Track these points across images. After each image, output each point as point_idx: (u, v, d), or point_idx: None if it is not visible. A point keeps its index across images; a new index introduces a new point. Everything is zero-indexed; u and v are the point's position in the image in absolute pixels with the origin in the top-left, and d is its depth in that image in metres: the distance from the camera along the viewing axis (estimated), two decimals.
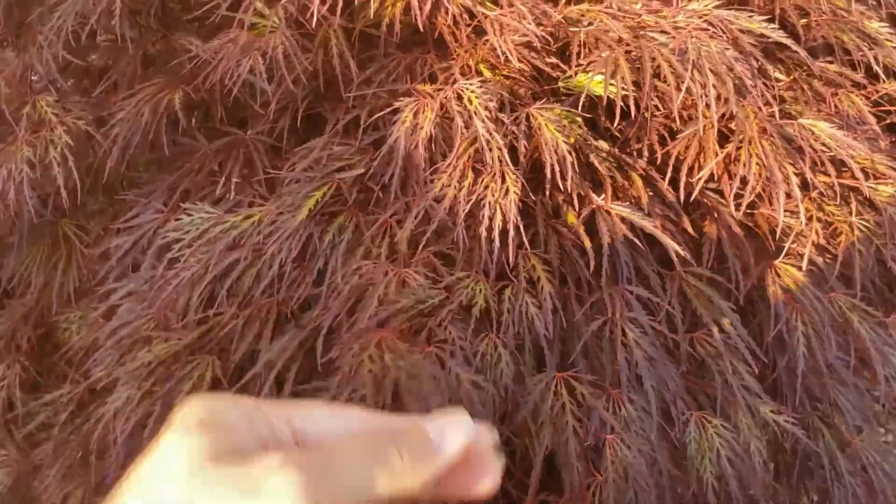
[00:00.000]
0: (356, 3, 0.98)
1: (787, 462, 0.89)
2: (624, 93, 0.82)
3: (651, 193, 0.83)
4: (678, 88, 0.77)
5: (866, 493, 0.91)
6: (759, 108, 0.80)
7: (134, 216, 1.01)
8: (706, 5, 0.83)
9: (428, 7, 0.91)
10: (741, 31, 0.79)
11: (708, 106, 0.78)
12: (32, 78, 1.06)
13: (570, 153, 0.77)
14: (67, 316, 1.23)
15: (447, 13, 0.94)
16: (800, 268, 0.81)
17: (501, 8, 0.93)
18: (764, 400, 0.76)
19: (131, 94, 1.02)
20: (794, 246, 0.83)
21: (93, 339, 0.95)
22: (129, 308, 0.94)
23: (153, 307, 0.92)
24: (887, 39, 0.95)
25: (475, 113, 0.77)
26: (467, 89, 0.80)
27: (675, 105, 0.76)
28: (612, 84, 0.84)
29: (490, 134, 0.75)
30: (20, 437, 1.25)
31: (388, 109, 0.81)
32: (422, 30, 0.95)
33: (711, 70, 0.75)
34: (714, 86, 0.75)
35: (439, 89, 0.81)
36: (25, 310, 1.25)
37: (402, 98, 0.81)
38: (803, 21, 0.95)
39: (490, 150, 0.75)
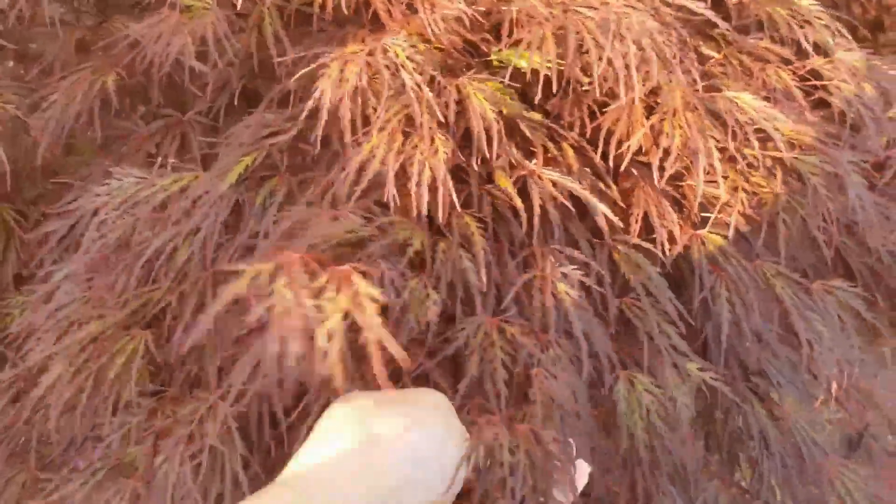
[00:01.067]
0: None
1: (718, 434, 0.91)
2: (549, 66, 0.83)
3: (582, 164, 0.85)
4: (599, 59, 0.78)
5: (797, 465, 0.92)
6: (686, 82, 0.82)
7: (72, 200, 1.00)
8: None
9: None
10: (663, 3, 0.81)
11: (630, 77, 0.79)
12: None
13: (497, 121, 0.78)
14: (8, 301, 1.21)
15: None
16: (726, 237, 0.83)
17: None
18: (691, 359, 0.77)
19: (63, 77, 1.01)
20: (720, 216, 0.85)
21: (29, 323, 0.94)
22: (66, 290, 0.93)
23: (90, 289, 0.91)
24: (817, 17, 0.98)
25: (402, 66, 0.77)
26: (394, 44, 0.80)
27: (596, 75, 0.78)
28: (536, 58, 0.85)
29: (418, 87, 0.76)
30: None
31: (317, 64, 0.81)
32: (356, 6, 0.96)
33: (634, 41, 0.77)
34: (635, 55, 0.76)
35: (367, 49, 0.81)
36: None
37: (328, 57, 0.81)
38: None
39: (420, 102, 0.75)
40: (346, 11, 0.94)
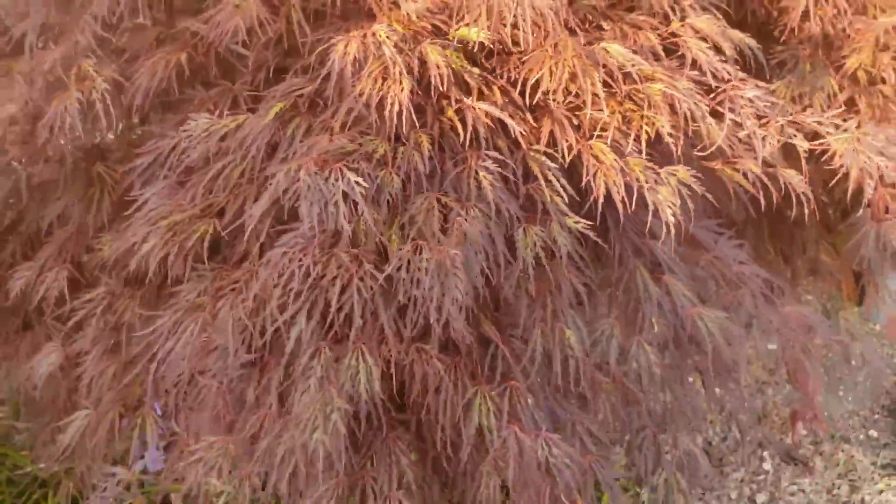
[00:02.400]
0: None
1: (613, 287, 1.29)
2: (486, 35, 1.24)
3: (507, 101, 1.24)
4: (514, 26, 1.18)
5: (671, 311, 1.30)
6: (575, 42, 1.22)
7: (153, 143, 1.41)
8: None
9: None
10: None
11: (528, 35, 1.19)
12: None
13: (446, 68, 1.18)
14: (101, 238, 1.62)
15: None
16: (606, 142, 1.21)
17: None
18: (570, 216, 1.15)
19: (149, 56, 1.43)
20: (605, 134, 1.23)
21: (128, 225, 1.33)
22: (153, 201, 1.34)
23: (172, 197, 1.32)
24: (685, 3, 1.37)
25: (383, 42, 1.18)
26: (379, 28, 1.21)
27: (507, 32, 1.18)
28: (477, 33, 1.26)
29: (393, 55, 1.16)
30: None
31: (328, 45, 1.22)
32: (357, 3, 1.37)
33: (534, 9, 1.16)
34: (533, 20, 1.16)
35: (363, 32, 1.22)
36: (68, 234, 1.64)
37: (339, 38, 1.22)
38: None
39: (394, 64, 1.16)
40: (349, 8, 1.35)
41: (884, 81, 1.76)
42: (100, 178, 1.61)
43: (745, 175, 1.42)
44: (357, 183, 1.00)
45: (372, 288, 1.09)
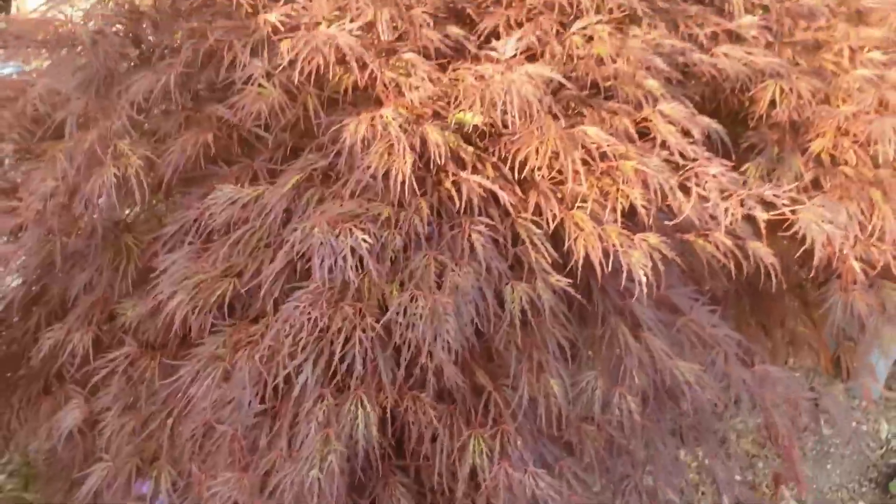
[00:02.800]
0: (325, 77, 1.57)
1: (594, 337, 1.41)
2: (481, 119, 1.40)
3: (497, 174, 1.40)
4: (504, 111, 1.35)
5: (650, 365, 1.42)
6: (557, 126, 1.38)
7: (180, 213, 1.56)
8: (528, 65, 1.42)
9: (366, 78, 1.51)
10: (539, 76, 1.38)
11: (526, 119, 1.35)
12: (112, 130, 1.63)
13: (444, 146, 1.34)
14: (124, 303, 1.76)
15: (380, 83, 1.53)
16: (585, 212, 1.36)
17: (411, 77, 1.52)
18: (555, 276, 1.29)
19: (178, 136, 1.60)
20: (584, 205, 1.38)
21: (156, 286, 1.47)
22: (179, 263, 1.48)
23: (196, 261, 1.46)
24: (656, 91, 1.54)
25: (389, 123, 1.34)
26: (386, 113, 1.37)
27: (498, 116, 1.34)
28: (472, 117, 1.43)
29: (398, 134, 1.32)
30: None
31: (341, 125, 1.38)
32: (366, 92, 1.55)
33: (521, 96, 1.33)
34: (520, 106, 1.32)
35: (371, 115, 1.38)
36: (94, 299, 1.77)
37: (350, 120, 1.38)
38: (605, 75, 1.55)
39: (398, 141, 1.32)
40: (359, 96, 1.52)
41: (846, 163, 1.93)
42: (126, 248, 1.76)
43: (716, 246, 1.57)
44: (364, 240, 1.15)
45: (371, 339, 1.22)
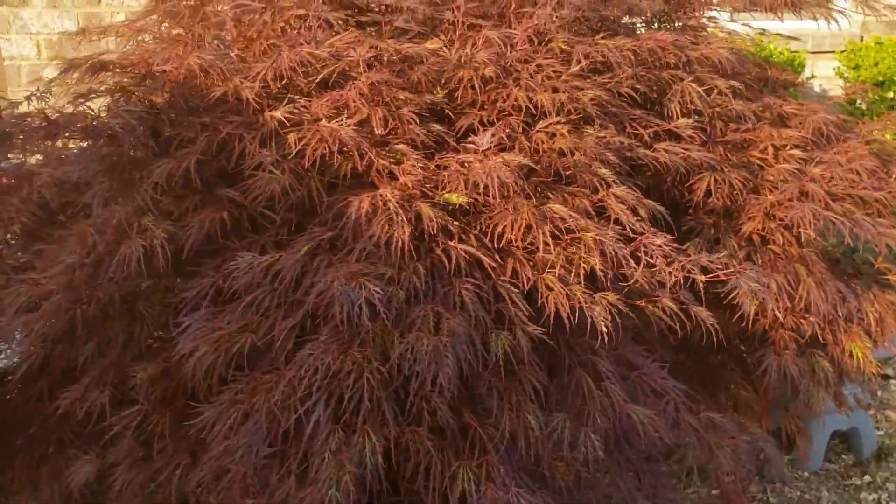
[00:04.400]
0: (328, 163, 1.82)
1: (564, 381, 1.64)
2: (463, 199, 1.66)
3: (479, 245, 1.65)
4: (486, 192, 1.61)
5: (611, 409, 1.65)
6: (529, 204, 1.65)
7: (196, 281, 1.77)
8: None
9: (363, 165, 1.77)
10: (513, 162, 1.65)
11: (502, 198, 1.62)
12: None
13: (436, 220, 1.59)
14: (136, 366, 1.94)
15: (374, 169, 1.79)
16: (554, 275, 1.61)
17: (403, 164, 1.79)
18: (531, 326, 1.52)
19: (196, 213, 1.83)
20: (553, 270, 1.63)
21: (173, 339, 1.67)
22: (196, 324, 1.68)
23: (213, 321, 1.67)
24: (610, 178, 1.83)
25: (388, 200, 1.59)
26: (384, 193, 1.63)
27: (479, 195, 1.60)
28: (457, 197, 1.69)
29: (396, 210, 1.57)
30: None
31: (343, 204, 1.63)
32: (360, 177, 1.80)
33: (499, 178, 1.60)
34: (499, 187, 1.59)
35: (371, 195, 1.64)
36: (109, 362, 1.95)
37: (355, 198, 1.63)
38: (565, 164, 1.83)
39: (397, 215, 1.56)
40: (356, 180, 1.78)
41: (773, 242, 2.22)
42: (140, 315, 1.95)
43: (663, 310, 1.83)
44: (375, 291, 1.38)
45: (377, 380, 1.43)
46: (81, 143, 2.21)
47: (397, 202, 1.60)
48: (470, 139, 1.94)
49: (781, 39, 4.20)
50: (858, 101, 5.32)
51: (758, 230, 2.24)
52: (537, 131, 1.93)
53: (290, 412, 1.50)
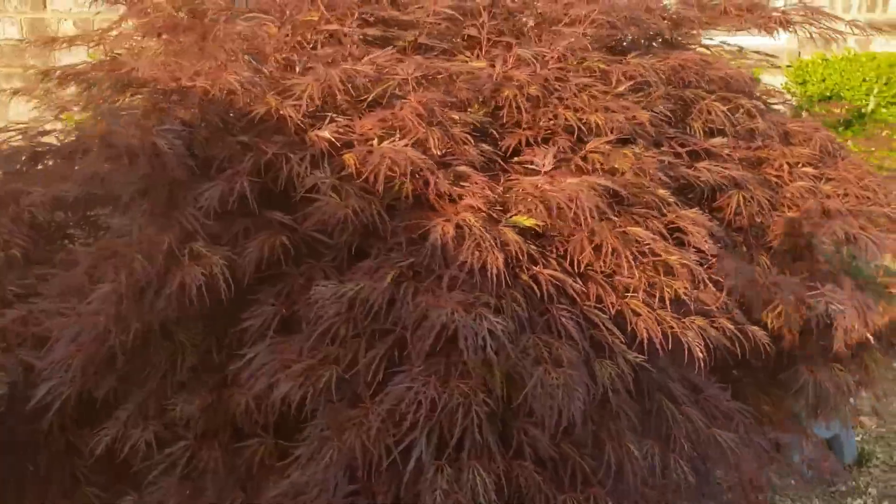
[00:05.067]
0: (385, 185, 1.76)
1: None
2: (533, 223, 1.63)
3: (561, 269, 1.62)
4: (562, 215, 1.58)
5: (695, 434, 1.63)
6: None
7: (256, 309, 1.68)
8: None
9: (427, 189, 1.72)
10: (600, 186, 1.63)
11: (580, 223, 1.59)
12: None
13: (522, 244, 1.55)
14: (176, 398, 1.83)
15: (436, 191, 1.74)
16: (638, 300, 1.59)
17: (469, 187, 1.74)
18: (632, 354, 1.50)
19: (249, 238, 1.74)
20: (637, 294, 1.62)
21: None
22: (261, 356, 1.60)
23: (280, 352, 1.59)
24: (669, 199, 1.83)
25: (473, 225, 1.55)
26: (466, 216, 1.58)
27: (566, 224, 1.57)
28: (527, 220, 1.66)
29: (483, 234, 1.53)
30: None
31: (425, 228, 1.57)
32: (417, 199, 1.75)
33: (583, 201, 1.57)
34: (578, 211, 1.56)
35: (451, 219, 1.58)
36: (148, 392, 1.83)
37: (434, 221, 1.58)
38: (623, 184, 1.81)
39: (484, 240, 1.52)
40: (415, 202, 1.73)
41: (803, 259, 2.27)
42: (181, 345, 1.84)
43: (723, 331, 1.83)
44: (497, 322, 1.33)
45: (484, 411, 1.38)
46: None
47: (480, 226, 1.56)
48: (523, 159, 1.91)
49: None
50: (804, 115, 5.51)
51: (786, 247, 2.28)
52: (590, 151, 1.91)
53: (381, 447, 1.43)
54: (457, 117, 1.89)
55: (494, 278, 1.48)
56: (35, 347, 2.03)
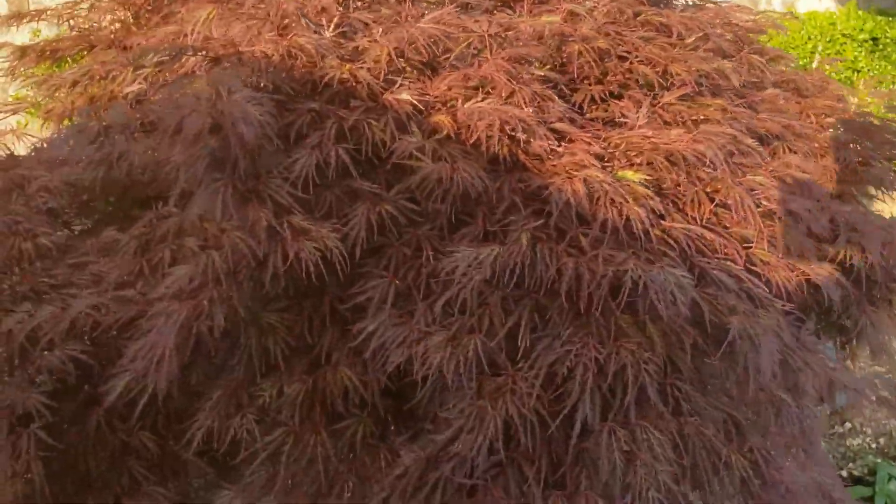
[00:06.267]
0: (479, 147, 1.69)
1: None
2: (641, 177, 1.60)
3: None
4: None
5: None
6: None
7: (364, 284, 1.60)
8: None
9: (521, 144, 1.66)
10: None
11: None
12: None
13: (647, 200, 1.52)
14: (263, 384, 1.72)
15: (533, 150, 1.68)
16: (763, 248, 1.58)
17: (574, 143, 1.69)
18: (779, 302, 1.49)
19: (353, 209, 1.64)
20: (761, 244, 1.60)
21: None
22: (382, 330, 1.52)
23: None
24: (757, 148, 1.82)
25: (603, 181, 1.50)
26: (594, 174, 1.53)
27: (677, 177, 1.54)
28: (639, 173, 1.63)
29: (615, 189, 1.48)
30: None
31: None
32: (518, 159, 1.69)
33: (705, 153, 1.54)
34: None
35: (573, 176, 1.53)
36: (238, 379, 1.72)
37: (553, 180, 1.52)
38: None
39: (616, 193, 1.48)
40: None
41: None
42: (270, 327, 1.74)
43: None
44: (682, 276, 1.29)
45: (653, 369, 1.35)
46: None
47: (602, 181, 1.51)
48: (597, 115, 1.88)
49: None
50: None
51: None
52: (669, 103, 1.89)
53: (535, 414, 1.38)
54: (540, 73, 1.83)
55: (642, 234, 1.44)
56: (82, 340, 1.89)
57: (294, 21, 1.89)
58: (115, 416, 1.98)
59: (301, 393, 1.68)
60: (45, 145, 2.53)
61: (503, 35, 1.92)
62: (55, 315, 1.74)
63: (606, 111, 1.92)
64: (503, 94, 1.77)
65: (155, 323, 1.58)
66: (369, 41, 1.86)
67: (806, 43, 5.78)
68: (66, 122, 2.74)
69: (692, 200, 1.60)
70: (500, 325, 1.46)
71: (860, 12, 5.96)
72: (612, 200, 1.49)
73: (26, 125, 3.20)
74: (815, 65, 5.95)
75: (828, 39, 5.81)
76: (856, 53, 5.58)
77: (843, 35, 5.72)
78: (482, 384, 1.44)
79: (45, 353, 1.89)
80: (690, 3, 2.81)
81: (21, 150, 2.56)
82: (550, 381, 1.37)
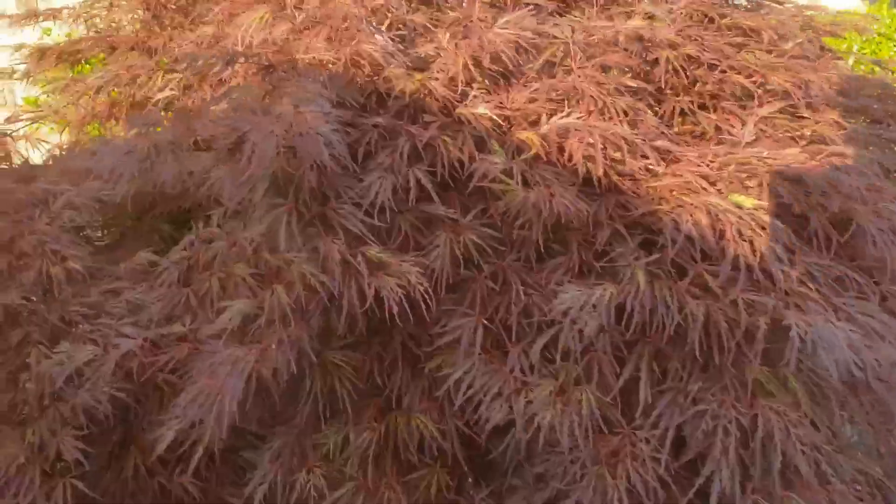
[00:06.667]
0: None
1: None
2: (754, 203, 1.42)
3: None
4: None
5: None
6: None
7: (448, 323, 1.42)
8: None
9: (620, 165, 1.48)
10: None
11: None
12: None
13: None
14: (328, 431, 1.54)
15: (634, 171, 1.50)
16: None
17: (677, 164, 1.51)
18: None
19: (432, 238, 1.46)
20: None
21: None
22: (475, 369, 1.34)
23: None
24: None
25: (728, 210, 1.32)
26: (715, 202, 1.35)
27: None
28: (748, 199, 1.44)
29: (740, 219, 1.30)
30: None
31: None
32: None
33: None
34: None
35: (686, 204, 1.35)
36: (301, 426, 1.54)
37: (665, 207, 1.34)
38: None
39: (745, 227, 1.30)
40: None
41: None
42: (336, 367, 1.56)
43: None
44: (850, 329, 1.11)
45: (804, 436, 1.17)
46: None
47: (730, 211, 1.33)
48: (685, 129, 1.70)
49: None
50: None
51: None
52: (771, 116, 1.70)
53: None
54: (631, 84, 1.65)
55: (760, 273, 1.25)
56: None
57: (356, 25, 1.70)
58: (154, 459, 1.80)
59: (371, 442, 1.50)
60: (62, 152, 2.37)
61: (587, 41, 1.73)
62: (97, 357, 1.55)
63: (696, 124, 1.75)
64: (590, 108, 1.59)
65: (212, 366, 1.39)
66: (436, 48, 1.67)
67: (841, 42, 5.60)
68: (87, 128, 2.58)
69: (824, 230, 1.42)
70: (611, 374, 1.27)
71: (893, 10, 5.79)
72: (740, 233, 1.31)
73: (37, 128, 3.01)
74: (850, 63, 5.78)
75: (864, 38, 5.63)
76: (891, 53, 5.39)
77: (880, 35, 5.53)
78: (597, 445, 1.26)
79: (79, 391, 1.71)
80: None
81: (36, 157, 2.39)
82: (678, 445, 1.19)
